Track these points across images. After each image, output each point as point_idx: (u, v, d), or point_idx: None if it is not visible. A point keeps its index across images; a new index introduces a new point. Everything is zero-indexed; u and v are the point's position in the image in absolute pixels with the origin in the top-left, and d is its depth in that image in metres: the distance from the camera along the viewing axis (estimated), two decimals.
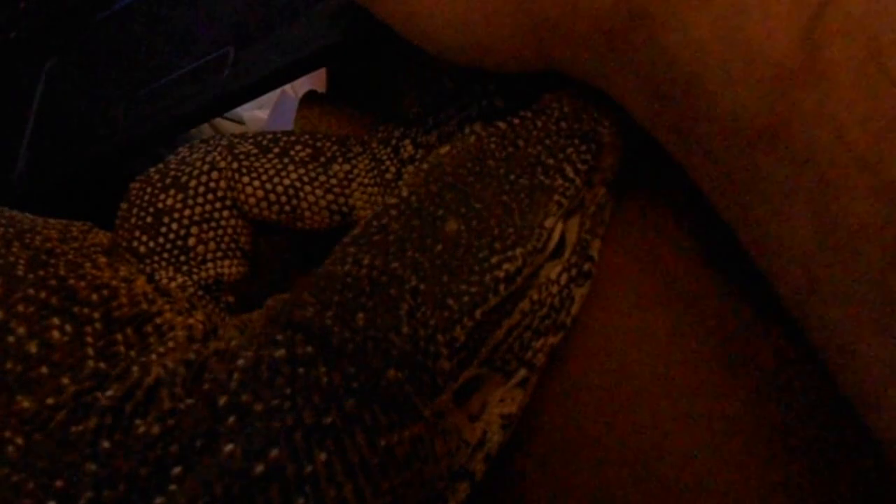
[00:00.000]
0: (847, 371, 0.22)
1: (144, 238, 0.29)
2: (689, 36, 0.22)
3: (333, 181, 0.31)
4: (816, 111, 0.20)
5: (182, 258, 0.29)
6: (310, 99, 0.39)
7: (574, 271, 0.26)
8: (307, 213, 0.31)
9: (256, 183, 0.30)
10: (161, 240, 0.29)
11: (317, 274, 0.25)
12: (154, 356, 0.25)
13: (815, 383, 0.25)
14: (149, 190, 0.30)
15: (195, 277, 0.29)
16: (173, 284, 0.28)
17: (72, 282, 0.25)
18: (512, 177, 0.25)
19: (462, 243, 0.24)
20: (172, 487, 0.20)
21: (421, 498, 0.23)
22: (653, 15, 0.23)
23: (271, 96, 0.75)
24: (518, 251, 0.24)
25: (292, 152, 0.31)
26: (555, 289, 0.26)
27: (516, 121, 0.27)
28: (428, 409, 0.23)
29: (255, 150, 0.31)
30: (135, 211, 0.30)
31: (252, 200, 0.30)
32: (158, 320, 0.26)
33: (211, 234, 0.30)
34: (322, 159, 0.31)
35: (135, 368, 0.24)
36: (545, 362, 0.26)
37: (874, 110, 0.19)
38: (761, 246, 0.23)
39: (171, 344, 0.25)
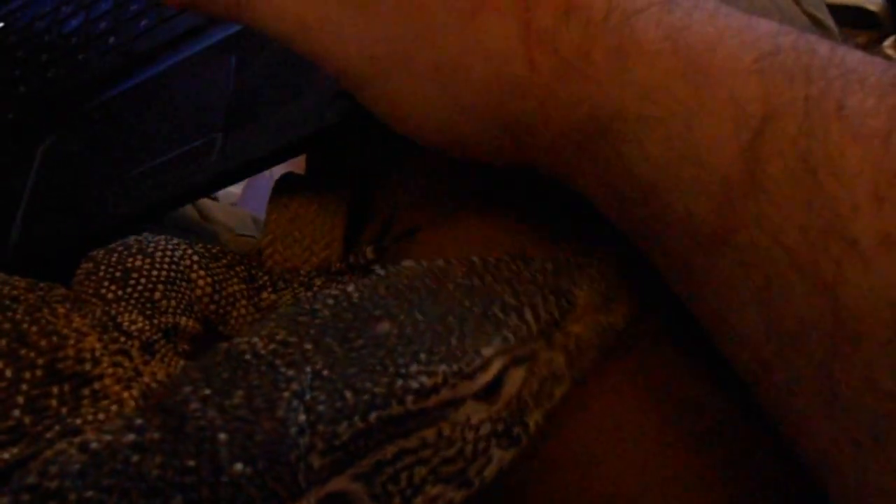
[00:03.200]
0: (801, 444, 0.24)
1: (113, 287, 0.31)
2: (645, 151, 0.24)
3: (262, 304, 0.34)
4: (758, 220, 0.22)
5: (148, 305, 0.31)
6: (284, 182, 0.42)
7: (500, 427, 0.24)
8: (232, 322, 0.34)
9: (209, 279, 0.33)
10: (129, 290, 0.31)
11: (220, 346, 0.24)
12: (79, 421, 0.25)
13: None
14: (115, 255, 0.32)
15: (156, 322, 0.31)
16: (133, 328, 0.30)
17: (25, 325, 0.26)
18: (467, 303, 0.24)
19: (386, 345, 0.22)
20: None
21: None
22: (614, 131, 0.25)
23: None
24: (442, 368, 0.22)
25: (236, 268, 0.34)
26: (471, 435, 0.23)
27: (492, 260, 0.26)
28: None
29: (207, 254, 0.34)
30: (103, 268, 0.31)
31: (199, 292, 0.33)
32: (97, 385, 0.26)
33: (174, 293, 0.32)
34: (256, 284, 0.34)
35: (43, 442, 0.24)
36: None
37: (810, 219, 0.21)
38: (719, 334, 0.25)
39: (101, 416, 0.25)
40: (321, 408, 0.21)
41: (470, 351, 0.22)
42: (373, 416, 0.21)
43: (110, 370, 0.27)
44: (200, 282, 0.33)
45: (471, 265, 0.25)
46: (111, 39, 0.51)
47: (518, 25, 0.26)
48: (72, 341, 0.27)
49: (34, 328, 0.26)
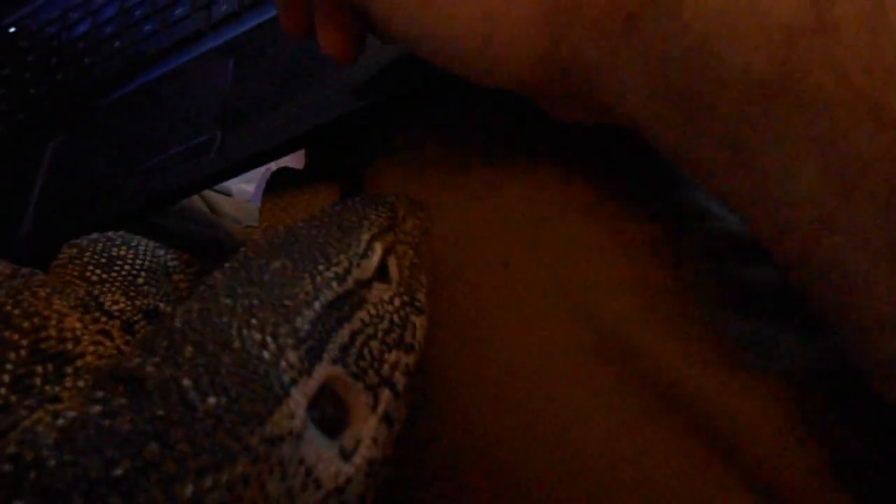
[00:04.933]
0: (855, 306, 0.23)
1: (98, 271, 0.32)
2: (701, 7, 0.24)
3: None
4: (823, 59, 0.22)
5: (131, 288, 0.32)
6: (279, 176, 0.43)
7: (406, 298, 0.28)
8: None
9: (188, 283, 0.35)
10: (114, 274, 0.32)
11: (147, 329, 0.26)
12: (58, 388, 0.25)
13: None
14: (100, 244, 0.33)
15: (137, 303, 0.31)
16: (115, 308, 0.30)
17: (8, 308, 0.27)
18: (325, 229, 0.28)
19: (288, 271, 0.26)
20: None
21: None
22: None
23: (257, 171, 0.81)
24: (342, 257, 0.27)
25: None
26: (391, 308, 0.28)
27: (317, 212, 0.30)
28: (256, 436, 0.21)
29: (181, 261, 0.36)
30: (88, 254, 0.33)
31: (179, 295, 0.34)
32: (79, 363, 0.27)
33: (155, 282, 0.33)
34: None
35: (23, 409, 0.24)
36: (406, 386, 0.27)
37: (877, 57, 0.21)
38: (770, 198, 0.24)
39: (80, 383, 0.26)
40: (272, 319, 0.23)
41: (354, 242, 0.27)
42: (316, 304, 0.24)
43: (91, 348, 0.28)
44: (182, 284, 0.35)
45: (304, 219, 0.29)
46: (117, 43, 0.54)
47: None
48: (53, 322, 0.27)
49: (17, 311, 0.27)
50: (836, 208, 0.22)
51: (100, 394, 0.22)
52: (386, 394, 0.26)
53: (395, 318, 0.27)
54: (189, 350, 0.22)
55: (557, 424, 0.29)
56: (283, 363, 0.22)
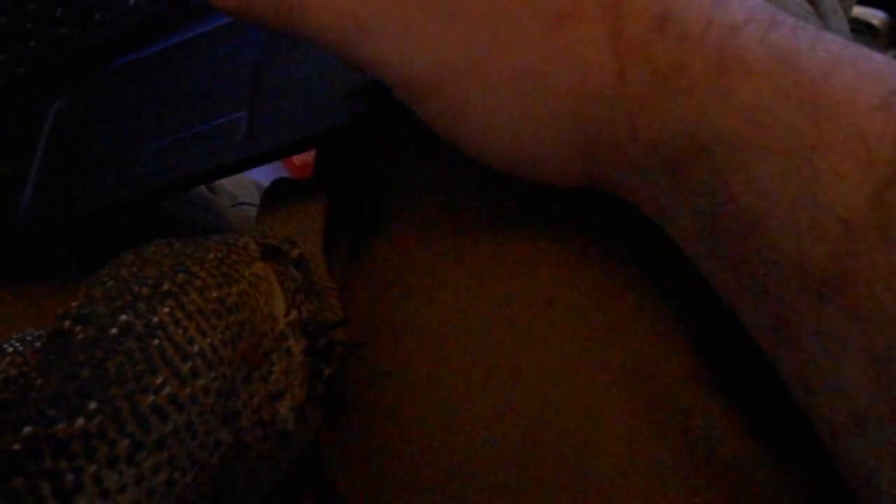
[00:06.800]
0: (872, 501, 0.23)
1: None
2: (752, 179, 0.23)
3: None
4: (886, 273, 0.20)
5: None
6: (274, 188, 0.40)
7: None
8: None
9: None
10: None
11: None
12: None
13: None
14: None
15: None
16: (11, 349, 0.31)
17: None
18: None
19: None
20: (61, 363, 0.25)
21: (254, 343, 0.28)
22: (717, 154, 0.23)
23: None
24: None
25: None
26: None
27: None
28: (247, 272, 0.29)
29: None
30: None
31: None
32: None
33: None
34: None
35: None
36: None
37: None
38: (809, 384, 0.24)
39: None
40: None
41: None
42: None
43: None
44: None
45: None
46: (131, 1, 0.49)
47: (608, 34, 0.25)
48: None
49: None
50: (875, 419, 0.21)
51: (107, 280, 0.27)
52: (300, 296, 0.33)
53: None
54: (176, 246, 0.29)
55: (594, 478, 0.28)
56: (251, 245, 0.30)
